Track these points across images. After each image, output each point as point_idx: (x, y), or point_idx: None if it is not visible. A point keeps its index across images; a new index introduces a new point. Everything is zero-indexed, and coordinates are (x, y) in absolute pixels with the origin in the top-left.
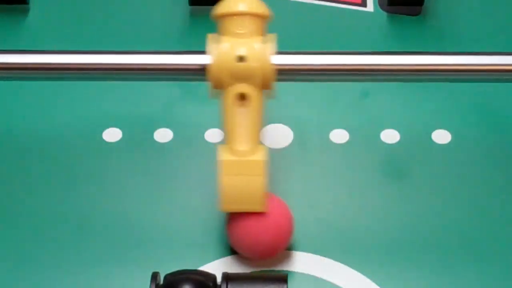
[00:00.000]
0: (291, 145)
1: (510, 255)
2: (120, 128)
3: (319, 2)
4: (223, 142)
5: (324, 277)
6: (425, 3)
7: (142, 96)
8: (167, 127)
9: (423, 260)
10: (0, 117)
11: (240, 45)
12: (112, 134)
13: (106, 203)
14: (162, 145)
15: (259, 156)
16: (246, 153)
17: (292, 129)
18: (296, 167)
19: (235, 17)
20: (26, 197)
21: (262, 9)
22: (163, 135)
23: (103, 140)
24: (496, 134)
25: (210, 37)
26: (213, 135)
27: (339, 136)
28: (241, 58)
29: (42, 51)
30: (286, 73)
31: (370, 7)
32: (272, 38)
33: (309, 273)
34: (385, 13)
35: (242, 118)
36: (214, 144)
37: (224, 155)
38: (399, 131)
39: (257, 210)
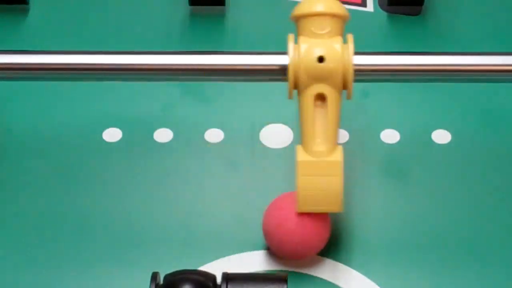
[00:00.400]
0: (291, 145)
1: (510, 255)
2: (120, 128)
3: None
4: (222, 142)
5: (324, 277)
6: (425, 3)
7: (142, 96)
8: (167, 127)
9: (423, 260)
10: (0, 117)
11: (320, 45)
12: (112, 134)
13: (106, 203)
14: (162, 145)
15: (336, 156)
16: (323, 153)
17: (292, 129)
18: None
19: (314, 17)
20: (26, 197)
21: (341, 9)
22: (163, 135)
23: (103, 140)
24: (496, 134)
25: (289, 37)
26: (213, 135)
27: (339, 136)
28: (320, 59)
29: (42, 51)
30: (365, 74)
31: (370, 7)
32: (351, 39)
33: (309, 273)
34: (385, 13)
35: (320, 119)
36: (212, 144)
37: (301, 156)
38: (399, 131)
39: (334, 210)
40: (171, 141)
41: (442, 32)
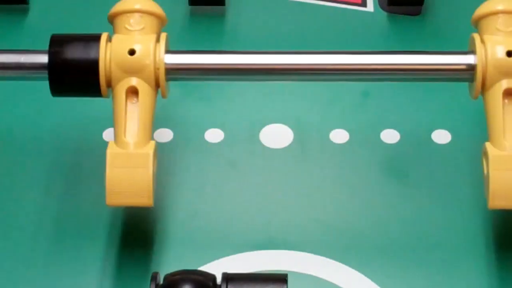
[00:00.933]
0: (291, 145)
1: (510, 255)
2: None
3: (319, 2)
4: (222, 142)
5: (324, 277)
6: (425, 3)
7: None
8: (167, 127)
9: (423, 260)
10: (0, 117)
11: (507, 42)
12: (112, 134)
13: (105, 203)
14: (162, 145)
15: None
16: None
17: (292, 129)
18: (296, 167)
19: (500, 15)
20: (26, 197)
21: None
22: (163, 135)
23: (103, 140)
24: None
25: (474, 36)
26: (213, 135)
27: (339, 136)
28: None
29: (43, 51)
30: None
31: (370, 7)
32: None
33: (309, 273)
34: (385, 13)
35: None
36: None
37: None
38: (399, 131)
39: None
40: (171, 141)
41: (442, 32)
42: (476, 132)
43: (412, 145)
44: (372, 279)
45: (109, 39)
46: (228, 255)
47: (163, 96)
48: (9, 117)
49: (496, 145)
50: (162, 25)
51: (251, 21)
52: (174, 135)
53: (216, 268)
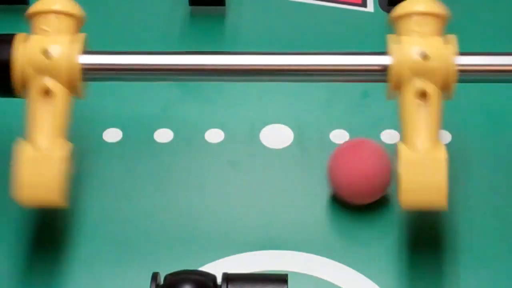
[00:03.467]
0: (291, 145)
1: (510, 255)
2: (120, 128)
3: (319, 2)
4: (222, 142)
5: (324, 277)
6: None
7: (142, 96)
8: (167, 127)
9: (423, 260)
10: (0, 117)
11: (422, 43)
12: (112, 134)
13: (106, 203)
14: (162, 145)
15: (440, 154)
16: (427, 150)
17: (292, 129)
18: (296, 167)
19: (415, 17)
20: None
21: (441, 9)
22: (163, 135)
23: (103, 140)
24: (496, 134)
25: (389, 37)
26: (213, 135)
27: (339, 136)
28: (424, 56)
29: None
30: (466, 74)
31: (370, 7)
32: (452, 39)
33: (309, 273)
34: (385, 13)
35: (422, 116)
36: (214, 144)
37: (405, 152)
38: (399, 131)
39: (438, 206)
40: (171, 141)
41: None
42: (476, 132)
43: None
44: (372, 279)
45: (25, 40)
46: (228, 255)
47: (79, 97)
48: (9, 117)
49: (408, 145)
50: (80, 25)
51: (251, 21)
52: (174, 135)
53: (216, 268)
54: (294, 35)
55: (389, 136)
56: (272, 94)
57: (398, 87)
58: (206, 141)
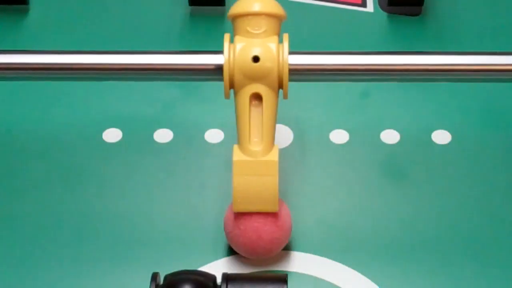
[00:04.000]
0: (291, 145)
1: (510, 255)
2: (120, 128)
3: (319, 2)
4: (222, 142)
5: (324, 277)
6: (425, 3)
7: (142, 96)
8: (167, 127)
9: (423, 260)
10: (0, 117)
11: (255, 45)
12: (112, 134)
13: (106, 203)
14: (162, 145)
15: (272, 156)
16: (259, 153)
17: (292, 129)
18: (296, 167)
19: (250, 17)
20: (26, 197)
21: (277, 9)
22: (163, 135)
23: (103, 140)
24: (496, 134)
25: (225, 36)
26: (213, 135)
27: (339, 136)
28: (255, 58)
29: (42, 51)
30: (300, 73)
31: (370, 7)
32: (286, 38)
33: (309, 273)
34: (385, 13)
35: (256, 118)
36: (214, 144)
37: (237, 155)
38: (399, 131)
39: (269, 210)
40: (171, 141)
41: (442, 32)
42: (476, 132)
43: (412, 145)
44: (372, 279)
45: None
46: (228, 255)
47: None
48: (9, 117)
49: (242, 149)
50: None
51: None
52: (174, 135)
53: (216, 268)
54: (294, 35)
55: (389, 136)
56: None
57: (232, 87)
58: (206, 141)
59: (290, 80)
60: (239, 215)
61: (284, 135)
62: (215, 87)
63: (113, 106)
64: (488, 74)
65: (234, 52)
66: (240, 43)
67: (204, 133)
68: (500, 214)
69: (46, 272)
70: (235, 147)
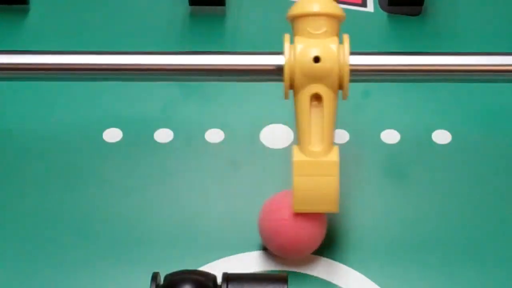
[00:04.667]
0: (291, 145)
1: (510, 255)
2: (120, 128)
3: None
4: (222, 142)
5: (324, 277)
6: (425, 3)
7: (142, 96)
8: (167, 127)
9: (423, 260)
10: (0, 117)
11: (315, 45)
12: (112, 134)
13: (106, 203)
14: (162, 145)
15: (333, 157)
16: (319, 154)
17: (292, 129)
18: None
19: (310, 17)
20: (26, 197)
21: (337, 9)
22: (163, 135)
23: (103, 140)
24: (496, 134)
25: (285, 37)
26: (213, 135)
27: (339, 136)
28: (316, 59)
29: (42, 51)
30: (361, 74)
31: (370, 7)
32: (346, 39)
33: (309, 273)
34: (385, 13)
35: (316, 119)
36: (214, 144)
37: (298, 156)
38: (399, 131)
39: (330, 211)
40: (171, 141)
41: (442, 32)
42: (476, 132)
43: (412, 145)
44: (372, 279)
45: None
46: (228, 255)
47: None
48: (9, 117)
49: (302, 149)
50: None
51: (251, 21)
52: (174, 135)
53: (216, 268)
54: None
55: (389, 136)
56: (272, 94)
57: (292, 87)
58: (206, 141)
59: (351, 80)
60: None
61: (284, 135)
62: (215, 87)
63: (113, 106)
64: (488, 74)
65: (295, 53)
66: (301, 43)
67: (204, 133)
68: (500, 214)
69: (46, 272)
70: (295, 147)
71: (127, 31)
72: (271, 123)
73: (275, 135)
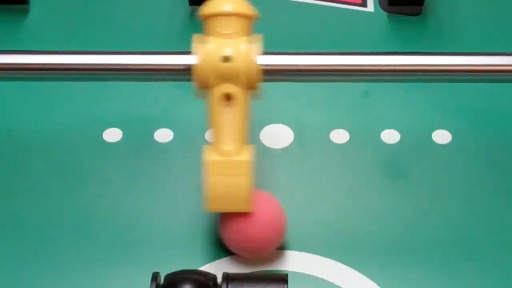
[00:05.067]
0: (291, 145)
1: (510, 255)
2: (120, 128)
3: (319, 2)
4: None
5: (324, 277)
6: (425, 3)
7: (142, 96)
8: (167, 127)
9: (423, 260)
10: (0, 117)
11: (226, 45)
12: (112, 134)
13: (106, 203)
14: (162, 145)
15: (245, 156)
16: (231, 153)
17: (292, 129)
18: (296, 167)
19: (220, 17)
20: (26, 197)
21: (248, 9)
22: (163, 135)
23: (103, 140)
24: (496, 134)
25: (195, 37)
26: None
27: (339, 136)
28: (226, 59)
29: (42, 51)
30: (271, 74)
31: (370, 7)
32: (258, 39)
33: (309, 273)
34: (385, 13)
35: (228, 118)
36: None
37: (210, 155)
38: (399, 131)
39: (243, 210)
40: (171, 141)
41: (442, 32)
42: (476, 132)
43: (412, 145)
44: (372, 279)
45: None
46: (228, 255)
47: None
48: (9, 117)
49: (215, 149)
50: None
51: None
52: (174, 135)
53: (216, 268)
54: (294, 35)
55: (389, 136)
56: (272, 94)
57: (204, 87)
58: (206, 141)
59: (262, 80)
60: (225, 216)
61: (284, 135)
62: None
63: (113, 106)
64: (488, 74)
65: (205, 52)
66: (211, 43)
67: (204, 133)
68: (500, 214)
69: (46, 272)
70: (206, 147)
71: (127, 31)
72: (271, 123)
73: (275, 135)
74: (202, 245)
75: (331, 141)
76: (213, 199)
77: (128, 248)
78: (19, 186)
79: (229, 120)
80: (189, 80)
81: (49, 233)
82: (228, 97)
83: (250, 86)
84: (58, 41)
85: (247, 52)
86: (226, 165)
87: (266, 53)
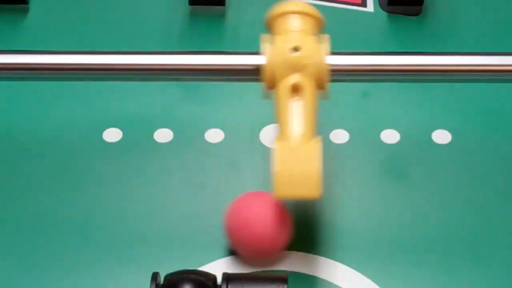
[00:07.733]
0: None
1: (510, 255)
2: (120, 128)
3: (319, 2)
4: (222, 142)
5: (324, 277)
6: (425, 3)
7: (142, 96)
8: (167, 127)
9: (423, 260)
10: (0, 117)
11: (295, 38)
12: (112, 134)
13: (106, 203)
14: (162, 145)
15: (314, 143)
16: (301, 140)
17: None
18: None
19: (289, 15)
20: (26, 197)
21: (316, 11)
22: (163, 135)
23: (103, 140)
24: (496, 134)
25: (263, 37)
26: (213, 135)
27: (339, 136)
28: (295, 49)
29: (42, 51)
30: (340, 74)
31: (370, 7)
32: (326, 39)
33: (309, 273)
34: (385, 13)
35: (297, 111)
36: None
37: (278, 144)
38: (399, 131)
39: (312, 196)
40: (171, 141)
41: (442, 32)
42: (476, 132)
43: (412, 145)
44: (372, 279)
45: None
46: (228, 255)
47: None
48: (9, 117)
49: (283, 139)
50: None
51: (251, 21)
52: (174, 135)
53: (216, 268)
54: None
55: (389, 136)
56: (272, 94)
57: (272, 85)
58: (206, 141)
59: (331, 80)
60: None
61: None
62: (215, 87)
63: (113, 106)
64: (488, 74)
65: (274, 47)
66: (280, 38)
67: (204, 133)
68: (500, 214)
69: (46, 272)
70: (276, 137)
71: (127, 31)
72: (271, 123)
73: (275, 135)
74: (202, 245)
75: (331, 141)
76: (282, 186)
77: (128, 248)
78: (19, 186)
79: (298, 113)
80: (257, 80)
81: (49, 233)
82: (296, 89)
83: (319, 85)
84: (58, 41)
85: (316, 46)
86: (296, 151)
87: (334, 53)
